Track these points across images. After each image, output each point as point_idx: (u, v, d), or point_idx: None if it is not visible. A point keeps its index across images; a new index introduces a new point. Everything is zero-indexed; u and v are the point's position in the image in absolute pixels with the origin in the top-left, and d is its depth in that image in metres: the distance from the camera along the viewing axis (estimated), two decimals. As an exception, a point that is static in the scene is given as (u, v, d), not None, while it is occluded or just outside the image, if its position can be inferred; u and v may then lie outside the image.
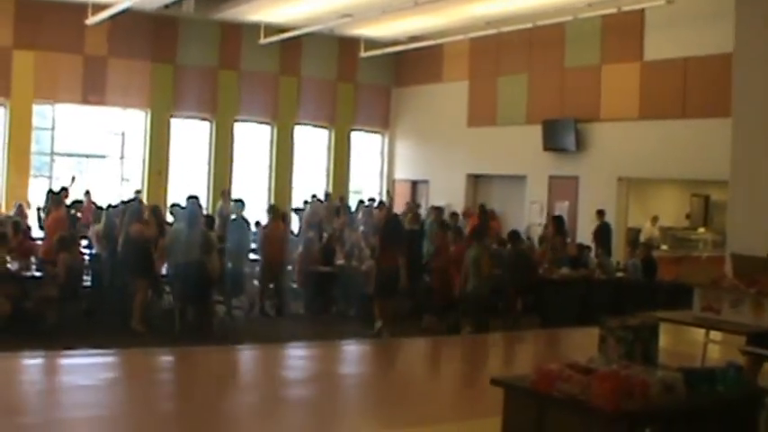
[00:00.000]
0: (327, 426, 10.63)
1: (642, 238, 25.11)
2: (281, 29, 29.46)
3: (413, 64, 32.72)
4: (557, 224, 21.68)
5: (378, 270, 17.77)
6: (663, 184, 27.62)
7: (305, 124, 32.94)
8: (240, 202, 20.75)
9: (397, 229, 18.18)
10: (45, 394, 11.95)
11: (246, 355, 15.92)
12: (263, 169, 32.44)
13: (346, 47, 32.38)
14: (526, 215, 27.96)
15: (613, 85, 25.87)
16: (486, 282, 17.33)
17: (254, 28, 29.86)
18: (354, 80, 33.47)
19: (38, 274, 16.41)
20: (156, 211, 19.12)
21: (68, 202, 21.27)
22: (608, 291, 19.48)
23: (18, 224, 18.91)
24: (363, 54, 32.03)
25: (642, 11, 24.49)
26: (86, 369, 13.53)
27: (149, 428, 10.22)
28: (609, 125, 25.87)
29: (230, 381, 13.57)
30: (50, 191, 21.76)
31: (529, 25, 26.30)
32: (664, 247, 25.84)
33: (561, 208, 26.92)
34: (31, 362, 14.22)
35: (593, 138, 26.32)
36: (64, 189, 21.32)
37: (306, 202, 27.92)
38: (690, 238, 27.29)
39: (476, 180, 30.92)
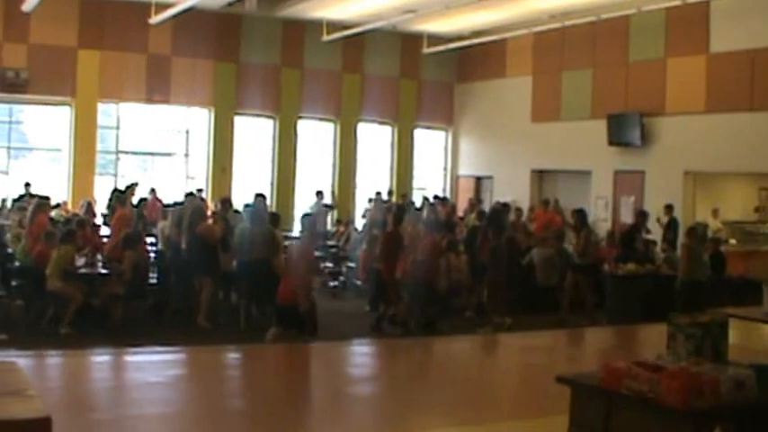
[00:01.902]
0: (391, 423, 10.60)
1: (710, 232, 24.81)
2: (343, 26, 29.45)
3: (476, 59, 32.56)
4: (579, 218, 21.37)
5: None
6: (730, 178, 27.23)
7: (368, 121, 32.90)
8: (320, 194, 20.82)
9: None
10: (113, 391, 12.03)
11: (311, 352, 15.94)
12: (326, 167, 32.45)
13: (409, 43, 32.28)
14: (591, 211, 27.67)
15: (679, 78, 25.58)
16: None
17: (317, 25, 29.87)
18: (417, 77, 33.39)
19: (104, 271, 16.53)
20: (224, 207, 19.22)
21: (134, 200, 21.41)
22: (675, 287, 19.23)
23: (84, 222, 19.05)
24: (426, 50, 31.92)
25: (707, 2, 24.14)
26: (153, 366, 13.61)
27: (216, 425, 10.24)
28: (675, 119, 25.59)
29: (295, 377, 13.59)
30: (116, 189, 21.91)
31: (593, 19, 26.06)
32: (732, 241, 25.48)
33: (627, 203, 26.71)
34: (100, 359, 14.33)
35: (659, 132, 26.05)
36: (129, 187, 21.46)
37: (370, 200, 27.95)
38: (759, 232, 26.86)
39: (540, 176, 30.72)
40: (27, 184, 23.92)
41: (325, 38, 29.85)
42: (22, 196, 23.05)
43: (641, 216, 22.42)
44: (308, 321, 15.90)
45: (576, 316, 18.98)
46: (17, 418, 4.33)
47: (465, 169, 33.99)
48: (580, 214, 20.89)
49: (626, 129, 26.61)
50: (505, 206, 23.39)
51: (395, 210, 19.08)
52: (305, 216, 17.29)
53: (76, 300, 15.30)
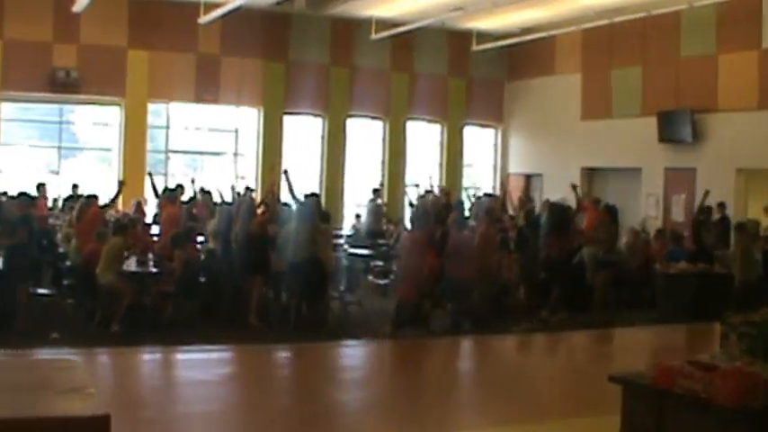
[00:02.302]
0: (439, 421, 10.58)
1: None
2: (392, 24, 29.40)
3: (525, 57, 32.41)
4: (609, 214, 21.09)
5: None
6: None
7: (417, 119, 32.84)
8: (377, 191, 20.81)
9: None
10: (163, 389, 12.11)
11: (361, 351, 15.94)
12: (375, 165, 32.45)
13: (457, 41, 32.17)
14: (642, 208, 27.52)
15: (731, 74, 25.32)
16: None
17: (366, 23, 29.84)
18: (466, 74, 33.28)
19: (155, 270, 16.61)
20: (273, 205, 19.25)
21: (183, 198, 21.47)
22: (727, 285, 18.99)
23: (135, 221, 19.15)
24: (475, 48, 31.78)
25: (760, -4, 23.97)
26: (203, 364, 13.69)
27: (265, 423, 10.28)
28: (727, 115, 25.33)
29: (345, 376, 13.61)
30: (166, 188, 21.98)
31: (642, 15, 25.87)
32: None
33: (677, 201, 26.50)
34: (150, 357, 14.43)
35: (711, 129, 25.81)
36: (180, 186, 21.51)
37: (420, 197, 27.89)
38: (811, 230, 26.57)
39: (590, 173, 30.52)
40: (75, 186, 24.03)
41: (374, 36, 29.80)
42: (70, 197, 23.16)
43: (609, 210, 22.15)
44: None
45: (630, 314, 18.84)
46: (78, 415, 4.37)
47: (515, 167, 33.86)
48: (611, 211, 20.74)
49: (677, 126, 26.39)
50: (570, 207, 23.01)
51: (439, 210, 19.00)
52: (417, 211, 17.37)
53: (127, 296, 15.35)
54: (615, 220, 21.39)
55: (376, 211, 25.83)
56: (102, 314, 15.38)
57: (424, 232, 17.31)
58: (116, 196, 18.76)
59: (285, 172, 18.70)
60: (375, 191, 26.97)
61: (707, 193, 20.87)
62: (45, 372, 5.25)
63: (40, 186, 22.15)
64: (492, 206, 22.05)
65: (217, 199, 20.46)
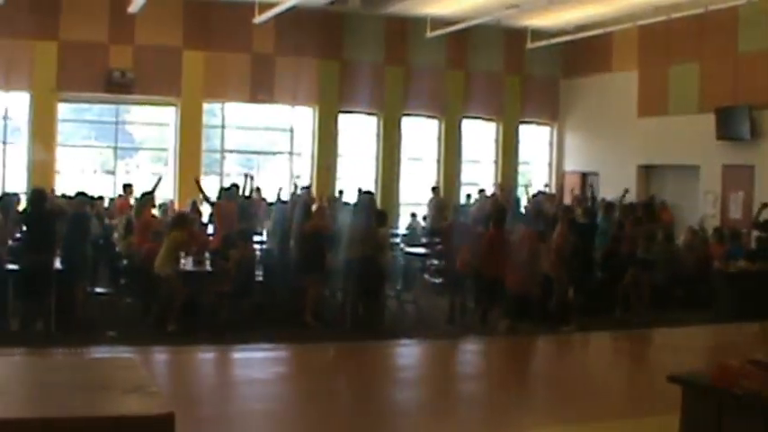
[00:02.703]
0: (498, 422, 10.54)
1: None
2: (447, 22, 29.32)
3: (581, 54, 32.20)
4: (647, 211, 20.81)
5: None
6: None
7: (472, 118, 32.73)
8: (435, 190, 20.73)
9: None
10: (219, 387, 12.14)
11: (418, 350, 15.92)
12: (430, 164, 32.40)
13: (513, 38, 32.03)
14: (700, 206, 27.23)
15: (791, 69, 25.06)
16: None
17: (421, 22, 29.79)
18: (521, 72, 33.13)
19: (210, 269, 16.64)
20: (331, 205, 19.27)
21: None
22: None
23: (191, 220, 19.20)
24: (530, 45, 31.64)
25: (819, -9, 23.65)
26: (259, 363, 13.72)
27: (321, 422, 10.27)
28: (785, 112, 25.08)
29: (401, 375, 13.59)
30: (222, 187, 22.04)
31: (700, 10, 25.60)
32: None
33: (736, 198, 26.22)
34: (206, 356, 14.47)
35: (769, 125, 25.54)
36: (235, 186, 21.55)
37: (468, 196, 27.84)
38: None
39: (647, 171, 30.27)
40: (127, 186, 23.95)
41: (429, 34, 29.75)
42: (120, 197, 23.28)
43: (647, 207, 21.88)
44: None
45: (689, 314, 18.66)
46: (142, 414, 4.41)
47: (571, 165, 33.68)
48: (647, 208, 20.51)
49: (735, 122, 26.10)
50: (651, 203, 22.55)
51: (495, 212, 18.89)
52: (519, 207, 17.36)
53: (181, 294, 15.39)
54: (652, 218, 21.09)
55: (437, 209, 25.72)
56: (159, 312, 15.43)
57: (534, 229, 17.40)
58: (154, 189, 18.81)
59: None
60: (434, 189, 26.93)
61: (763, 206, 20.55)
62: (108, 371, 5.30)
63: (127, 187, 22.22)
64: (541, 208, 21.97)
65: (273, 198, 20.50)
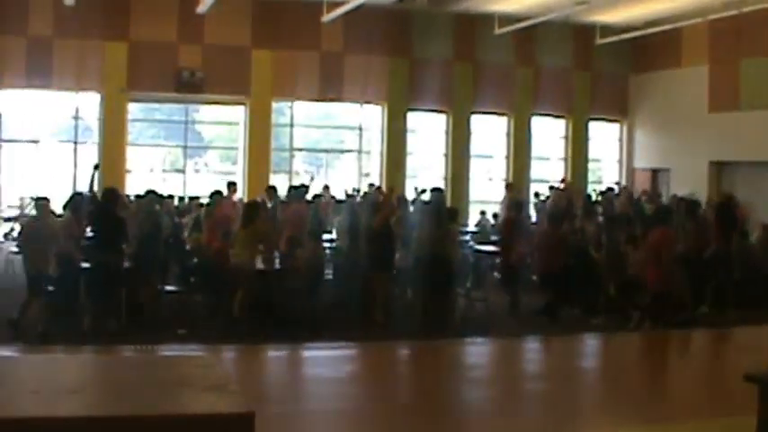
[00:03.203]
0: (566, 422, 10.40)
1: None
2: (515, 19, 29.16)
3: (650, 49, 31.88)
4: (689, 208, 20.37)
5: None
6: None
7: (541, 115, 32.55)
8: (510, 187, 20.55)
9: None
10: (291, 386, 12.10)
11: (487, 349, 15.78)
12: (499, 161, 32.26)
13: (581, 34, 31.82)
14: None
15: None
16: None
17: (489, 19, 29.69)
18: (590, 68, 32.88)
19: (279, 267, 16.61)
20: (399, 204, 19.19)
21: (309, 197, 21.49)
22: None
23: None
24: (599, 41, 31.41)
25: None
26: (329, 362, 13.65)
27: (390, 421, 10.21)
28: None
29: (471, 374, 13.47)
30: (291, 186, 22.02)
31: (771, 4, 25.28)
32: None
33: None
34: (276, 354, 14.45)
35: None
36: (304, 186, 21.53)
37: (536, 194, 27.64)
38: None
39: (719, 167, 29.88)
40: (231, 184, 23.69)
41: (498, 31, 29.62)
42: (192, 197, 23.35)
43: (690, 205, 21.44)
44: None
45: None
46: (223, 413, 4.38)
47: (641, 161, 33.34)
48: (690, 205, 20.10)
49: (809, 116, 25.72)
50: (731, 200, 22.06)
51: (552, 211, 18.75)
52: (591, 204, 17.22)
53: (243, 290, 15.36)
54: (694, 214, 20.53)
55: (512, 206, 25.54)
56: (228, 311, 15.43)
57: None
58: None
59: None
60: (508, 186, 26.77)
61: None
62: (187, 369, 5.29)
63: (231, 185, 22.21)
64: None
65: (342, 196, 20.46)
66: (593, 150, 33.77)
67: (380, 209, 17.67)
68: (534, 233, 18.66)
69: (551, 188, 27.49)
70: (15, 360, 8.51)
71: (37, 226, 14.95)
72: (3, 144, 28.01)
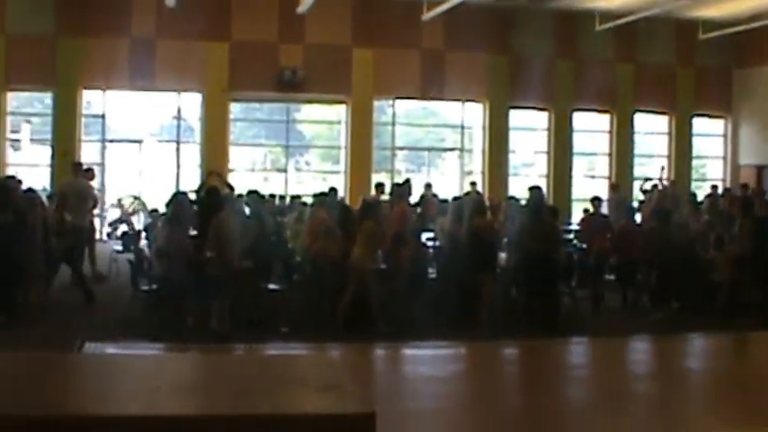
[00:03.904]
0: (675, 423, 10.25)
1: None
2: (616, 15, 28.83)
3: (754, 44, 31.27)
4: (742, 207, 19.72)
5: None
6: None
7: (644, 111, 32.11)
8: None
9: None
10: (395, 384, 12.10)
11: (591, 348, 15.63)
12: (602, 158, 31.95)
13: (683, 29, 31.33)
14: None
15: None
16: None
17: (589, 15, 29.39)
18: (693, 64, 32.37)
19: (382, 266, 16.58)
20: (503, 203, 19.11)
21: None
22: None
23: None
24: (702, 36, 30.94)
25: None
26: (434, 360, 13.64)
27: (497, 420, 10.15)
28: None
29: (576, 373, 13.37)
30: (394, 184, 22.00)
31: None
32: None
33: None
34: (380, 353, 14.45)
35: None
36: (407, 184, 21.47)
37: (644, 192, 27.28)
38: None
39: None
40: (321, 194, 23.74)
41: (599, 28, 29.32)
42: (294, 197, 23.45)
43: (746, 202, 20.80)
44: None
45: None
46: (344, 413, 4.39)
47: (746, 158, 32.76)
48: (744, 203, 19.59)
49: None
50: None
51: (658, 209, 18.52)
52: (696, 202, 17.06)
53: (356, 290, 15.36)
54: (748, 213, 19.84)
55: (619, 206, 25.19)
56: (331, 310, 15.46)
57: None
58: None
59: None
60: (614, 186, 26.51)
61: None
62: (303, 368, 5.29)
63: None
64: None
65: (445, 195, 20.40)
66: (697, 147, 33.24)
67: (484, 208, 17.60)
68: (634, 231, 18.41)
69: (654, 186, 27.08)
70: (132, 357, 8.57)
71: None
72: (107, 144, 28.41)
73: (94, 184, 20.81)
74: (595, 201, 20.45)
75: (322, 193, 18.99)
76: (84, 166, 20.78)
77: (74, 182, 19.57)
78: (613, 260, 18.57)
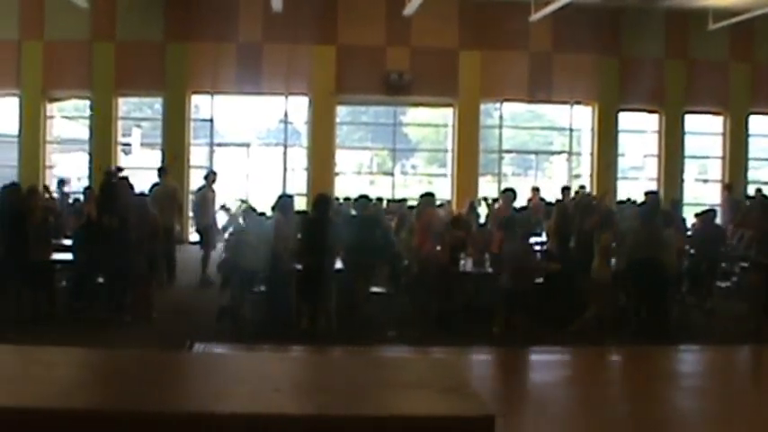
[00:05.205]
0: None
1: None
2: (730, 13, 28.22)
3: None
4: (761, 208, 18.94)
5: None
6: None
7: (760, 113, 31.35)
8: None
9: None
10: (503, 390, 11.99)
11: (704, 356, 15.27)
12: (714, 161, 31.33)
13: (803, 26, 30.63)
14: None
15: None
16: None
17: (702, 14, 28.82)
18: (812, 62, 31.63)
19: (490, 270, 16.41)
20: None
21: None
22: None
23: (469, 222, 19.09)
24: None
25: None
26: (543, 366, 13.54)
27: (604, 427, 9.99)
28: None
29: (686, 382, 13.10)
30: (506, 189, 21.79)
31: None
32: None
33: None
34: (486, 358, 14.28)
35: None
36: (511, 190, 21.28)
37: (748, 198, 26.68)
38: None
39: None
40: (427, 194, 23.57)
41: (712, 26, 28.73)
42: (400, 200, 23.45)
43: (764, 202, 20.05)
44: None
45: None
46: (464, 415, 4.33)
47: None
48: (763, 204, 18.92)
49: None
50: None
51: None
52: None
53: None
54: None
55: (733, 206, 24.68)
56: (438, 313, 15.34)
57: None
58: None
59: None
60: (726, 187, 25.95)
61: None
62: (422, 370, 5.28)
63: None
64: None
65: (553, 199, 20.19)
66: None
67: (592, 212, 17.33)
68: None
69: (757, 191, 26.41)
70: (247, 357, 8.54)
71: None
72: (215, 148, 28.65)
73: (215, 187, 21.10)
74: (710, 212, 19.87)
75: (428, 194, 18.82)
76: (205, 172, 21.96)
77: (164, 185, 20.14)
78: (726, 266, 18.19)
